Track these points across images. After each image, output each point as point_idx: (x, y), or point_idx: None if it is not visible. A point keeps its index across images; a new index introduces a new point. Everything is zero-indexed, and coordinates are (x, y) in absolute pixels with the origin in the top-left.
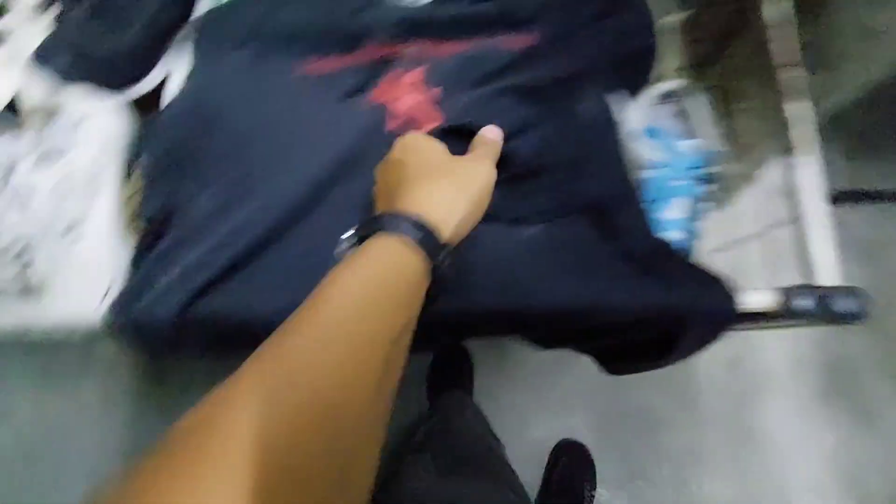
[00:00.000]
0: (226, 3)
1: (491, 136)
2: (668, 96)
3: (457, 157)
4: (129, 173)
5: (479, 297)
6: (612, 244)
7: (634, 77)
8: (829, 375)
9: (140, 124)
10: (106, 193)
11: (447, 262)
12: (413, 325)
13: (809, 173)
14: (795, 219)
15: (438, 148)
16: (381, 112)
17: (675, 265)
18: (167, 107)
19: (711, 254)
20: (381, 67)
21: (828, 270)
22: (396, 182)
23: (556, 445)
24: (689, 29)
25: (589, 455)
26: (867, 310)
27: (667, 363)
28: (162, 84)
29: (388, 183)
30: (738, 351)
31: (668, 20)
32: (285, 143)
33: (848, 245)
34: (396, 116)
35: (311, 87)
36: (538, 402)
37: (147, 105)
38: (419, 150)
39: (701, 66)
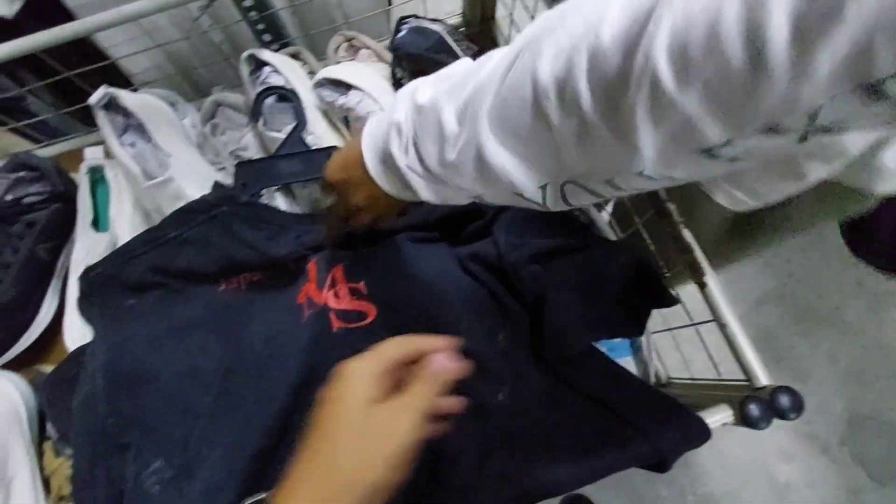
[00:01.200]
0: (102, 260)
1: (436, 366)
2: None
3: (376, 408)
4: (41, 448)
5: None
6: (582, 393)
7: None
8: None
9: (44, 387)
10: (20, 481)
11: None
12: None
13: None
14: (723, 325)
15: (356, 393)
16: (324, 315)
17: (641, 399)
18: (81, 380)
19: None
20: (296, 271)
21: (759, 371)
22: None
23: None
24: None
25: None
26: (803, 402)
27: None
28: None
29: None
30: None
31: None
32: (227, 375)
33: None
34: (336, 317)
35: (229, 309)
36: None
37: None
38: (337, 397)
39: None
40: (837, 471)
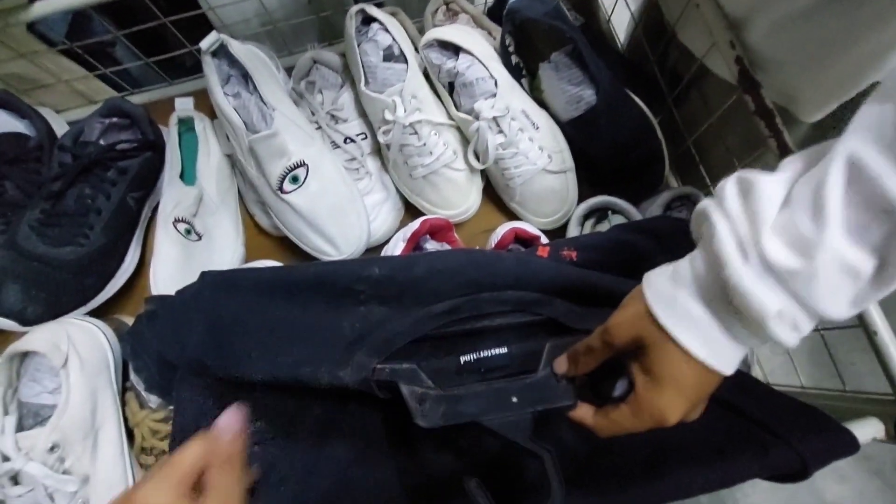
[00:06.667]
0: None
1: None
2: (675, 202)
3: None
4: (124, 398)
5: None
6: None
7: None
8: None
9: (128, 336)
10: (108, 430)
11: None
12: None
13: None
14: (873, 333)
15: None
16: None
17: (782, 409)
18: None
19: None
20: None
21: None
22: None
23: None
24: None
25: None
26: None
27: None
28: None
29: None
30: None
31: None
32: None
33: None
34: None
35: None
36: None
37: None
38: None
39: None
40: (890, 495)
